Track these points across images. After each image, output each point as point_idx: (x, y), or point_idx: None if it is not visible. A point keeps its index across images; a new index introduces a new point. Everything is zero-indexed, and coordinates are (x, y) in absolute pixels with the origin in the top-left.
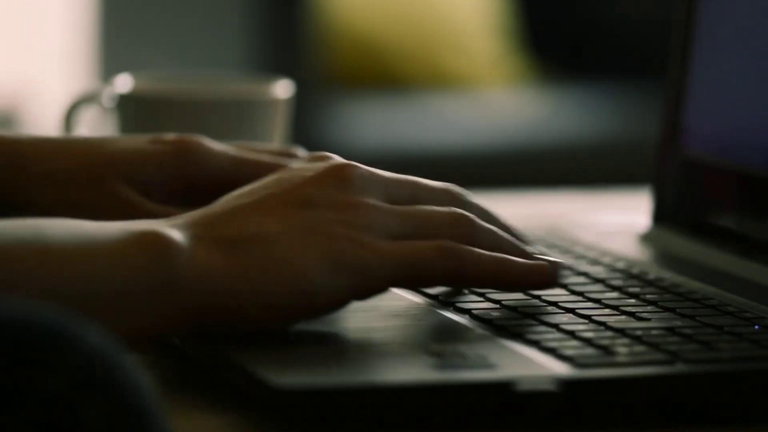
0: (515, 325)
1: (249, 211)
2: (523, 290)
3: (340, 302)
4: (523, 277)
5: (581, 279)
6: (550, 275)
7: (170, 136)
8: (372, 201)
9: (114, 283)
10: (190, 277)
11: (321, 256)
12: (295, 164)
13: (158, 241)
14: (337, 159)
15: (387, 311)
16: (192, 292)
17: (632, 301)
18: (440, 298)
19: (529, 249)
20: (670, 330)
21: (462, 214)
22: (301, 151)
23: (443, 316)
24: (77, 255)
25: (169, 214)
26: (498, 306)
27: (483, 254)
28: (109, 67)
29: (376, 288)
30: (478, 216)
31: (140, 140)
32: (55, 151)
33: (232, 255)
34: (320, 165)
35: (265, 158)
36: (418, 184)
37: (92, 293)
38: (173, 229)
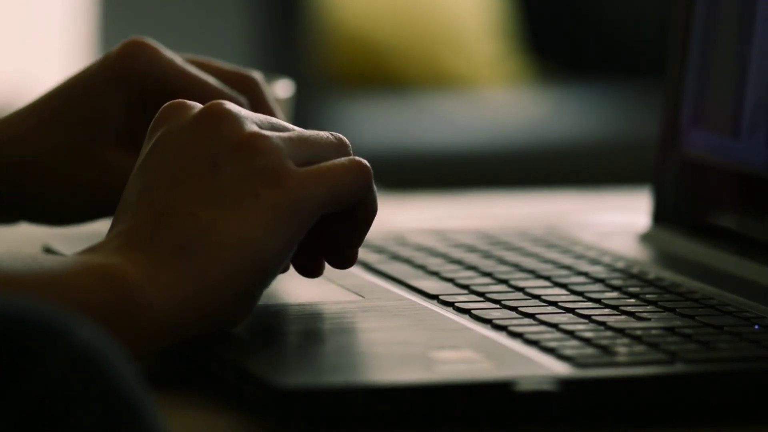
0: (515, 325)
1: (170, 201)
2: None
3: (289, 251)
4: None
5: (581, 279)
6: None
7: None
8: (262, 132)
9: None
10: (156, 305)
11: (257, 218)
12: (160, 123)
13: (116, 279)
14: (194, 104)
15: (387, 311)
16: (162, 322)
17: (632, 300)
18: (440, 298)
19: None
20: (670, 330)
21: (338, 135)
22: (257, 74)
23: (443, 316)
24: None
25: None
26: (498, 306)
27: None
28: None
29: (310, 221)
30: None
31: (91, 76)
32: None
33: (185, 261)
34: (189, 116)
35: (211, 81)
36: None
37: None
38: (120, 258)
